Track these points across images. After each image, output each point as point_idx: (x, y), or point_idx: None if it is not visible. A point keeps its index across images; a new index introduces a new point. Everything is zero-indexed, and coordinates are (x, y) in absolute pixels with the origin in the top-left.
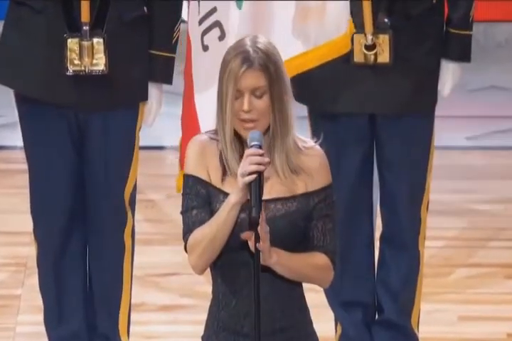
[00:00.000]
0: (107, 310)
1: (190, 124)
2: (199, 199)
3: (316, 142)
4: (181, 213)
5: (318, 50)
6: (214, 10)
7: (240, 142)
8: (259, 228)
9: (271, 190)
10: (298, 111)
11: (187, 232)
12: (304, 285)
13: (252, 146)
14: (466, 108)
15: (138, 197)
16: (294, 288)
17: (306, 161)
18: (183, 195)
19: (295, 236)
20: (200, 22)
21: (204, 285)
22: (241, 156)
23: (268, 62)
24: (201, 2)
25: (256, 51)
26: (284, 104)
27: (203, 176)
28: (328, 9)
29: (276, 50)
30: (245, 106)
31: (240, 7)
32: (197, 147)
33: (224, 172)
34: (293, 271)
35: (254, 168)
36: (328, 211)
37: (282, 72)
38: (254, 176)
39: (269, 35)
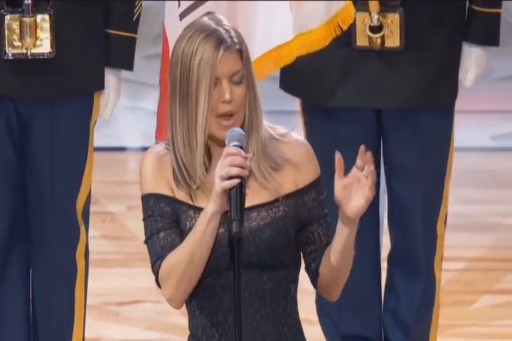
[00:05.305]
0: None
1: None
2: (165, 219)
3: (291, 131)
4: (145, 242)
5: (301, 37)
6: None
7: (207, 153)
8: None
9: (252, 197)
10: (289, 105)
11: (157, 260)
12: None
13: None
14: (490, 101)
15: (93, 208)
16: (289, 313)
17: (288, 150)
18: (144, 220)
19: (284, 247)
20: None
21: (174, 315)
22: (207, 169)
23: (242, 42)
24: None
25: (227, 30)
26: (255, 88)
27: (165, 192)
28: None
29: None
30: (227, 96)
31: None
32: (152, 160)
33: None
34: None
35: (236, 171)
36: (325, 210)
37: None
38: (236, 181)
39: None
